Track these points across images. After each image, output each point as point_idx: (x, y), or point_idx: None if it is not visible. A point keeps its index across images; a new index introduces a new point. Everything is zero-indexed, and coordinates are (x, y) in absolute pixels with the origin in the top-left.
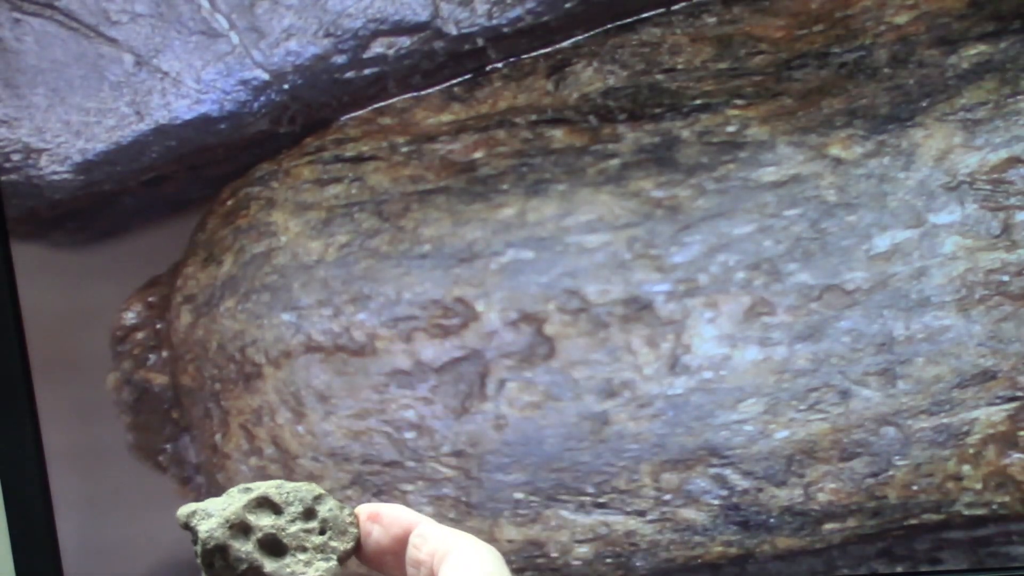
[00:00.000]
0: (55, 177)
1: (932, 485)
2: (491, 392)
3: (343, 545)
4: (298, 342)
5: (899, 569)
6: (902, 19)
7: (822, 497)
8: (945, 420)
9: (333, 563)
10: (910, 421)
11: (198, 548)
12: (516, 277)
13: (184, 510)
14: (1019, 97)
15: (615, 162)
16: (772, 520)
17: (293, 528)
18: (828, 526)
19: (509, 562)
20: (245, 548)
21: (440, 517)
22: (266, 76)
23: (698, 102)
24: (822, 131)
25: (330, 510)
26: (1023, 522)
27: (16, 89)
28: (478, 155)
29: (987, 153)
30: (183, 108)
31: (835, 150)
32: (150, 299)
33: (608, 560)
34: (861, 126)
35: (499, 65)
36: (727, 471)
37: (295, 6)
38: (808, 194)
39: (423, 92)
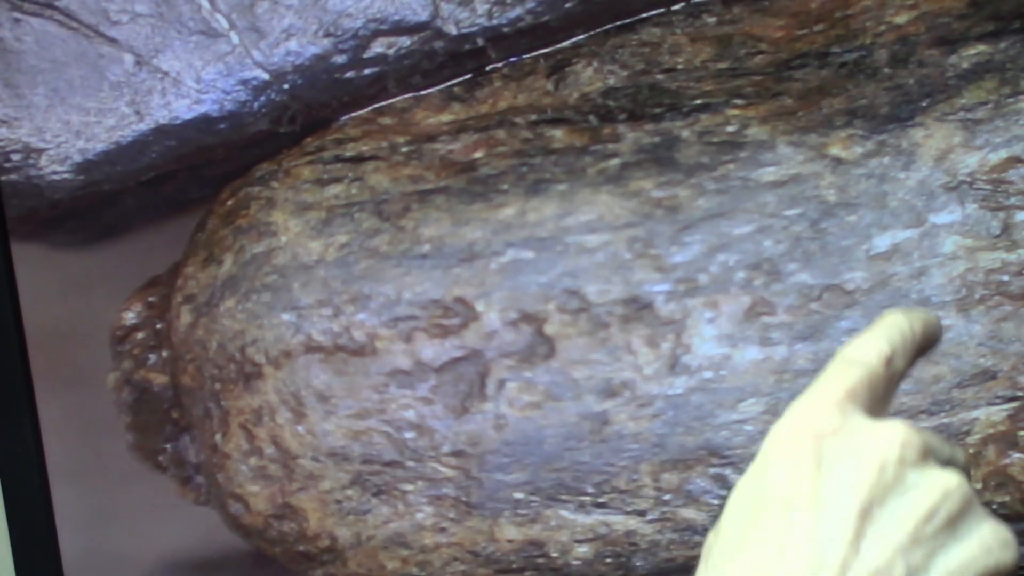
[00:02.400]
0: (55, 177)
1: None
2: (491, 392)
3: None
4: (298, 342)
5: None
6: (902, 19)
7: None
8: (945, 420)
9: None
10: (910, 421)
11: None
12: (516, 277)
13: None
14: (1019, 97)
15: (615, 162)
16: None
17: None
18: None
19: (509, 562)
20: None
21: (440, 517)
22: (266, 76)
23: (698, 102)
24: (822, 131)
25: None
26: (1023, 522)
27: (16, 89)
28: (478, 155)
29: (987, 153)
30: (183, 108)
31: (835, 150)
32: (150, 299)
33: (608, 560)
34: (861, 126)
35: (499, 65)
36: (727, 471)
37: (295, 6)
38: (808, 194)
39: (423, 92)
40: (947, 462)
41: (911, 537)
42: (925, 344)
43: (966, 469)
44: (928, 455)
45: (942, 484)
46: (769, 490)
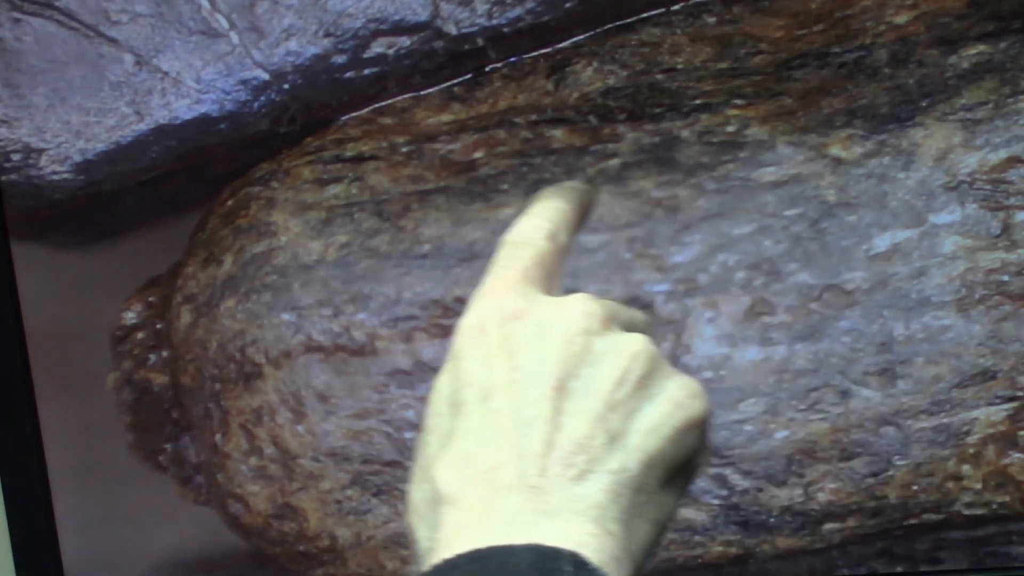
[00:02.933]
0: (55, 177)
1: (932, 485)
2: None
3: None
4: (298, 342)
5: (899, 569)
6: (902, 19)
7: (822, 497)
8: (945, 420)
9: None
10: (910, 421)
11: None
12: None
13: None
14: (1019, 97)
15: (615, 162)
16: (772, 520)
17: None
18: (828, 526)
19: None
20: None
21: None
22: (266, 76)
23: (698, 102)
24: (822, 131)
25: None
26: (1023, 522)
27: (16, 89)
28: (478, 155)
29: (987, 153)
30: (183, 108)
31: (835, 150)
32: (150, 299)
33: None
34: (861, 126)
35: (499, 65)
36: (727, 471)
37: (295, 6)
38: (808, 194)
39: (423, 92)
40: (629, 326)
41: (606, 404)
42: (583, 213)
43: (647, 330)
44: (610, 322)
45: (628, 348)
46: (466, 384)
